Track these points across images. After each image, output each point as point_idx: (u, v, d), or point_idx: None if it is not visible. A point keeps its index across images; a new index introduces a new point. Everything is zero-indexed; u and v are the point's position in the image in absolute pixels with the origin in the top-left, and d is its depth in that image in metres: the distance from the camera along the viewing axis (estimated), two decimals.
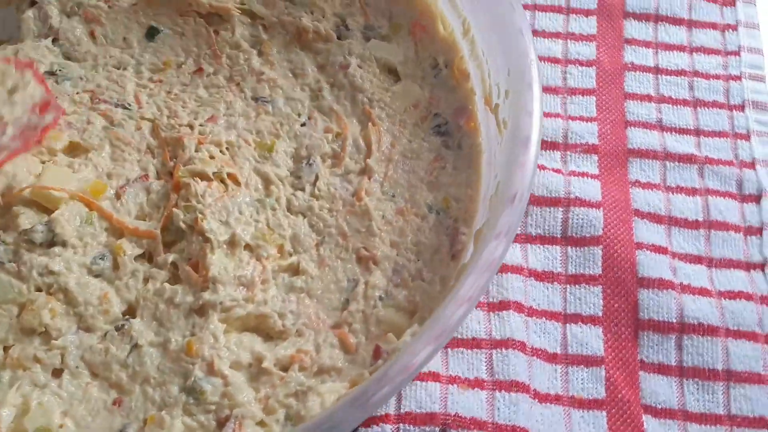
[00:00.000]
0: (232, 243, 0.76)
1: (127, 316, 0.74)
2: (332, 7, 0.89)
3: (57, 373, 0.71)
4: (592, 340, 0.92)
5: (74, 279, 0.73)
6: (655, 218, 1.00)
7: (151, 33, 0.90)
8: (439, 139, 0.82)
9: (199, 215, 0.75)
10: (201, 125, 0.83)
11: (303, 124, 0.84)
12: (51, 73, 0.87)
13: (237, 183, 0.79)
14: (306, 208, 0.79)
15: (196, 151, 0.80)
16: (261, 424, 0.67)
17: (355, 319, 0.72)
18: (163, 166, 0.81)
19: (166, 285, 0.74)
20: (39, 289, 0.72)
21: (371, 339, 0.71)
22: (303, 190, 0.80)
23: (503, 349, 0.90)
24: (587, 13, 1.16)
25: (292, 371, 0.70)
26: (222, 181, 0.78)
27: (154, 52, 0.89)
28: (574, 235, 0.98)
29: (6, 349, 0.70)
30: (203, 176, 0.78)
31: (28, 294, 0.72)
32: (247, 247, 0.76)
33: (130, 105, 0.85)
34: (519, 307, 0.93)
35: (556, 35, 1.14)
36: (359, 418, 0.59)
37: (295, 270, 0.76)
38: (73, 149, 0.81)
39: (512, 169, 0.64)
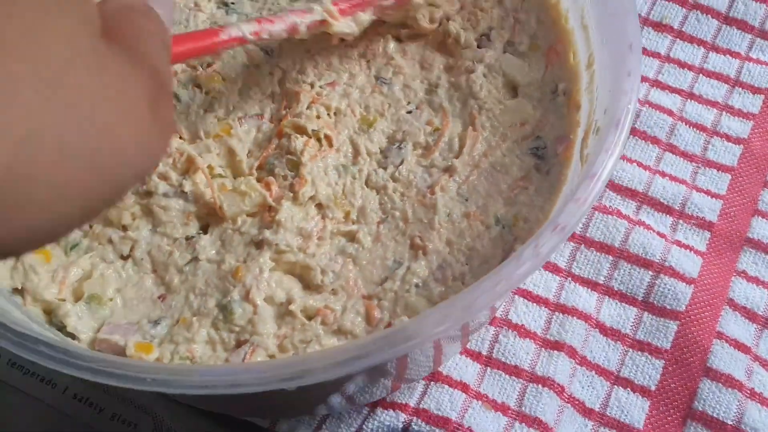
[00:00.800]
0: (311, 198, 0.81)
1: (199, 232, 0.82)
2: (488, 21, 0.92)
3: (124, 258, 0.80)
4: (635, 410, 0.89)
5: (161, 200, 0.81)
6: (749, 315, 0.94)
7: None
8: (533, 161, 0.83)
9: (301, 170, 0.82)
10: (321, 87, 0.89)
11: (409, 112, 0.88)
12: (224, 3, 0.97)
13: (330, 145, 0.84)
14: (381, 186, 0.83)
15: (308, 108, 0.87)
16: (271, 356, 0.73)
17: (386, 297, 0.75)
18: (277, 113, 0.88)
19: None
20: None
21: (392, 317, 0.73)
22: (385, 169, 0.84)
23: (540, 386, 0.89)
24: (755, 90, 1.10)
25: (314, 322, 0.74)
26: (318, 139, 0.84)
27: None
28: (655, 302, 0.94)
29: (90, 225, 0.81)
30: (303, 131, 0.84)
31: None
32: (318, 204, 0.82)
33: (272, 51, 0.93)
34: (572, 353, 0.91)
35: (714, 104, 1.09)
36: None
37: (351, 237, 0.80)
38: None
39: (569, 204, 0.64)
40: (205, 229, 0.82)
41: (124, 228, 0.81)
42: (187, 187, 0.81)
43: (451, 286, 0.75)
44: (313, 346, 0.72)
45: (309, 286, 0.78)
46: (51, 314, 0.75)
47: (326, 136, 0.85)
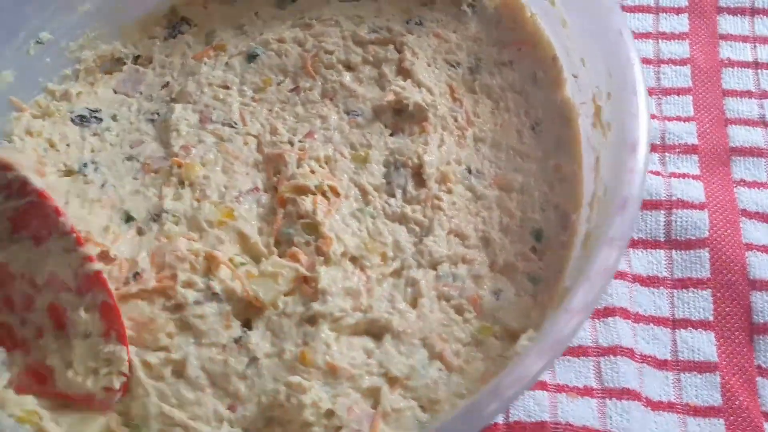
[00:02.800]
0: (342, 254, 0.77)
1: (244, 330, 0.76)
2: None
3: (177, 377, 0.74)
4: (704, 345, 0.89)
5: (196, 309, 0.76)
6: (764, 218, 0.96)
7: (252, 56, 0.94)
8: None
9: (322, 230, 0.78)
10: (300, 141, 0.85)
11: (392, 134, 0.87)
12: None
13: (337, 195, 0.81)
14: (400, 214, 0.81)
15: (298, 167, 0.82)
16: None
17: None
18: (268, 181, 0.83)
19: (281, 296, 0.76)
20: None
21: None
22: (394, 196, 0.82)
23: (612, 357, 0.87)
24: (678, 11, 1.13)
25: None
26: (323, 194, 0.80)
27: (255, 73, 0.92)
28: (678, 238, 0.95)
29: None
30: (305, 190, 0.80)
31: (149, 313, 0.74)
32: (352, 257, 0.77)
33: (236, 123, 0.88)
34: (625, 314, 0.91)
35: (647, 35, 1.12)
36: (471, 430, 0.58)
37: (398, 274, 0.77)
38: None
39: (620, 175, 0.63)
40: (247, 324, 0.76)
41: (165, 349, 0.74)
42: (216, 287, 0.75)
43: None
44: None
45: (378, 336, 0.75)
46: None
47: (331, 188, 0.81)
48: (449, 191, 0.81)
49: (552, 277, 0.76)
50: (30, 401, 0.72)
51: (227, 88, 0.92)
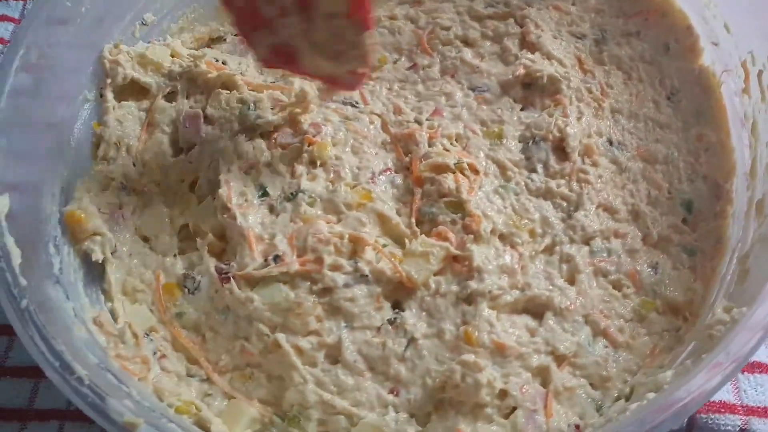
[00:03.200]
0: (492, 232, 0.75)
1: (396, 311, 0.73)
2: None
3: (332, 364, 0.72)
4: None
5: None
6: None
7: None
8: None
9: (468, 207, 0.76)
10: (427, 119, 0.83)
11: (522, 108, 0.85)
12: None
13: (476, 172, 0.79)
14: (545, 190, 0.79)
15: (430, 145, 0.80)
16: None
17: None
18: (399, 161, 0.81)
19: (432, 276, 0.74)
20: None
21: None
22: (536, 171, 0.80)
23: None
24: None
25: None
26: (462, 171, 0.78)
27: None
28: None
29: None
30: (444, 168, 0.78)
31: (294, 298, 0.72)
32: (501, 235, 0.75)
33: (357, 103, 0.85)
34: None
35: None
36: None
37: (550, 250, 0.76)
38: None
39: None
40: (397, 306, 0.74)
41: (315, 333, 0.72)
42: (365, 268, 0.73)
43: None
44: None
45: (538, 314, 0.73)
46: None
47: (470, 165, 0.78)
48: (594, 164, 0.80)
49: (709, 249, 0.75)
50: (186, 391, 0.70)
51: None
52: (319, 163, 0.79)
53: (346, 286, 0.72)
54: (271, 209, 0.78)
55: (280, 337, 0.71)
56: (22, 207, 0.70)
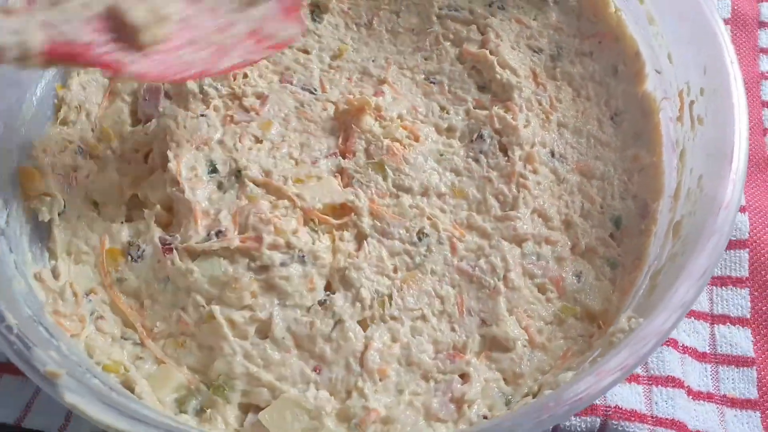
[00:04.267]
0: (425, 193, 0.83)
1: (327, 292, 0.77)
2: None
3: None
4: (741, 341, 0.93)
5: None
6: None
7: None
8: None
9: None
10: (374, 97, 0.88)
11: (475, 108, 0.90)
12: None
13: (416, 139, 0.85)
14: (484, 179, 0.85)
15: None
16: None
17: None
18: (343, 145, 0.86)
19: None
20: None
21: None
22: (478, 161, 0.85)
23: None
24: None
25: None
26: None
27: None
28: None
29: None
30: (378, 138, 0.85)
31: (232, 273, 0.75)
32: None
33: (315, 90, 0.89)
34: None
35: None
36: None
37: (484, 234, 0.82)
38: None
39: (718, 177, 0.67)
40: (329, 289, 0.77)
41: (249, 308, 0.74)
42: (304, 248, 0.76)
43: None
44: None
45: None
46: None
47: (410, 130, 0.86)
48: (534, 171, 0.84)
49: (629, 263, 0.79)
50: (118, 352, 0.72)
51: (307, 53, 0.93)
52: (265, 141, 0.83)
53: (283, 265, 0.75)
54: (220, 186, 0.81)
55: (216, 309, 0.73)
56: None
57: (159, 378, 0.73)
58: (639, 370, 0.89)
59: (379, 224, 0.79)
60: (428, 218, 0.80)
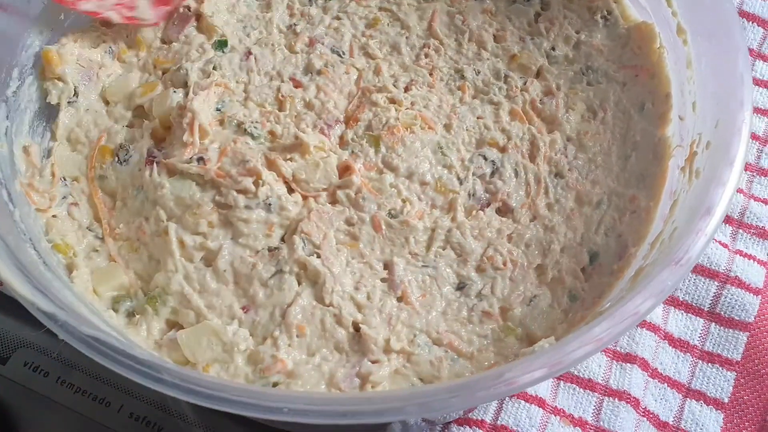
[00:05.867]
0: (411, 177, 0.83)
1: (282, 241, 0.78)
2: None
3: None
4: (710, 423, 0.88)
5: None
6: None
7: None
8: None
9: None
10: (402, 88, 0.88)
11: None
12: None
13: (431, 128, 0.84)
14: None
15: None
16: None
17: None
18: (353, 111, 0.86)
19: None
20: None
21: None
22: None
23: (616, 400, 0.86)
24: None
25: None
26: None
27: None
28: (722, 313, 0.93)
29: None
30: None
31: (198, 199, 0.77)
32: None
33: (344, 53, 0.90)
34: (644, 365, 0.89)
35: (765, 112, 1.09)
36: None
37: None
38: None
39: (690, 228, 0.63)
40: (284, 240, 0.78)
41: (203, 235, 0.77)
42: (273, 200, 0.77)
43: None
44: None
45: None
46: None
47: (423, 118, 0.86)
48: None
49: (589, 300, 0.76)
50: (73, 236, 0.75)
51: (339, 18, 0.94)
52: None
53: (247, 207, 0.77)
54: (221, 122, 0.83)
55: (171, 226, 0.76)
56: (8, 25, 0.77)
57: (105, 272, 0.76)
58: (589, 418, 0.86)
59: (353, 195, 0.79)
60: (402, 200, 0.79)
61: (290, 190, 0.80)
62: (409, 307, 0.75)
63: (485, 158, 0.83)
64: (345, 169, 0.81)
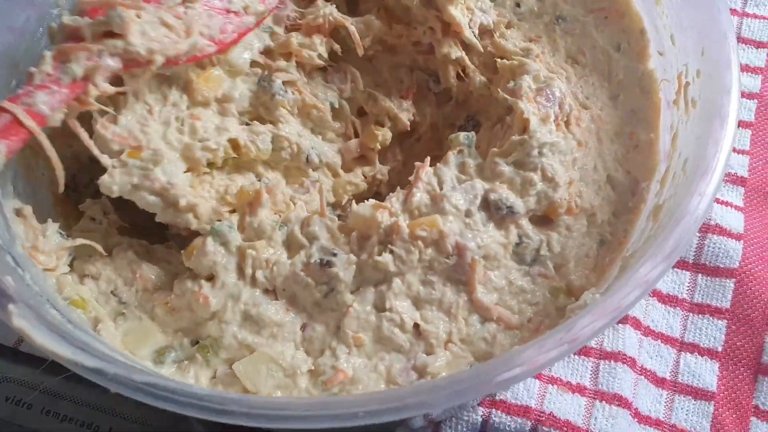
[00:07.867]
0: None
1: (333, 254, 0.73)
2: None
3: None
4: (705, 373, 0.86)
5: None
6: None
7: None
8: None
9: None
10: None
11: None
12: None
13: None
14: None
15: None
16: None
17: None
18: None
19: None
20: None
21: None
22: None
23: (612, 362, 0.84)
24: (758, 45, 1.10)
25: None
26: None
27: None
28: (707, 263, 0.92)
29: None
30: None
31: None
32: None
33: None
34: (636, 324, 0.87)
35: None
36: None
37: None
38: None
39: (705, 147, 0.64)
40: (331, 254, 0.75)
41: None
42: None
43: None
44: None
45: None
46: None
47: None
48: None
49: (616, 242, 0.76)
50: (86, 290, 0.70)
51: None
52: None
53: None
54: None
55: None
56: None
57: (139, 335, 0.70)
58: (587, 383, 0.83)
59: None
60: None
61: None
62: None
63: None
64: None
